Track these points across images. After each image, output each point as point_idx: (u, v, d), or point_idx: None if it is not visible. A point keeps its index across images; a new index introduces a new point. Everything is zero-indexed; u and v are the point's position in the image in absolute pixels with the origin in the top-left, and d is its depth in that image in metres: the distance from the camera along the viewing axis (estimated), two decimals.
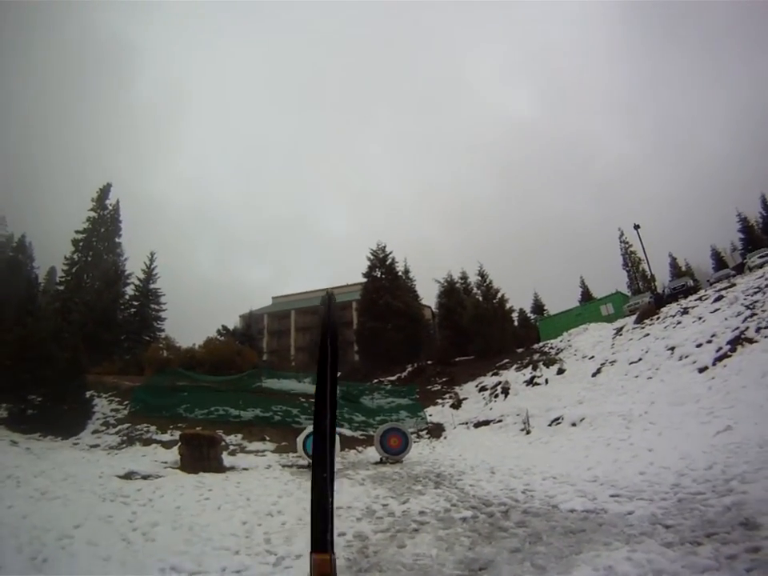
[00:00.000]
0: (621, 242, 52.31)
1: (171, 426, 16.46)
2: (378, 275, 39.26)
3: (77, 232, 40.22)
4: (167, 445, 14.89)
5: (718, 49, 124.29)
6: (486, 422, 19.36)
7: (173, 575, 5.25)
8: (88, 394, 18.48)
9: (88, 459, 12.73)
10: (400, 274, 41.04)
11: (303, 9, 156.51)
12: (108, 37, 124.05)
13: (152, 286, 38.38)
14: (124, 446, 15.31)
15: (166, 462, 12.63)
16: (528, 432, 16.27)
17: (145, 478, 10.52)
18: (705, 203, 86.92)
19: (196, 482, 10.07)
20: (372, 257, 39.61)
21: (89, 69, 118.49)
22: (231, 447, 15.28)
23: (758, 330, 14.14)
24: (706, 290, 24.32)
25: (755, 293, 16.90)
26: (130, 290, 38.34)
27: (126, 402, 18.55)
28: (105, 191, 42.96)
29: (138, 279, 38.50)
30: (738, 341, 14.29)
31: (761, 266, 24.47)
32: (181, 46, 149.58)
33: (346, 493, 9.32)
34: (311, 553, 1.89)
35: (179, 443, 12.60)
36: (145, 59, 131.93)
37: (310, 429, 12.91)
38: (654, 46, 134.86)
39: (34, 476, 9.30)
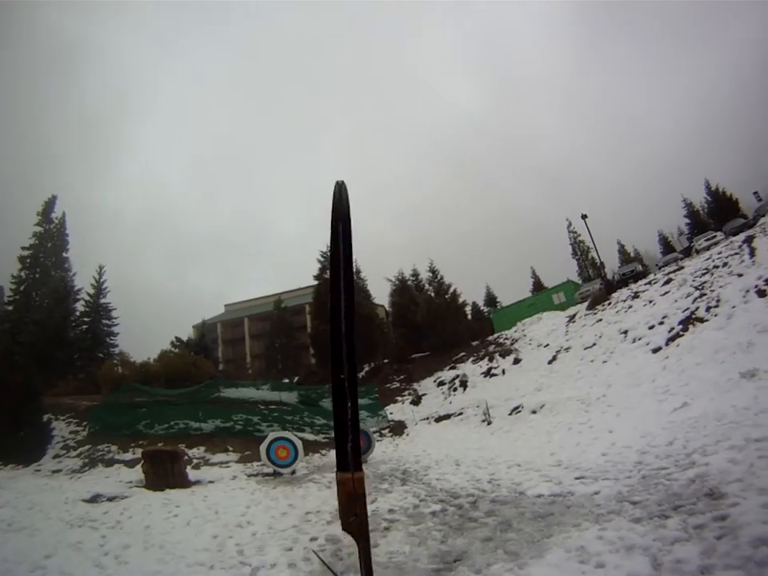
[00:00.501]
0: (569, 231, 53.76)
1: (132, 444, 15.95)
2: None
3: (23, 248, 38.30)
4: (130, 464, 14.43)
5: (664, 42, 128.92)
6: (447, 416, 19.54)
7: None
8: (45, 417, 17.74)
9: (51, 485, 12.21)
10: None
11: (258, 6, 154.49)
12: (63, 40, 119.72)
13: (102, 301, 37.01)
14: (86, 468, 14.77)
15: (130, 482, 12.26)
16: (489, 423, 16.49)
17: (111, 499, 10.16)
18: (651, 190, 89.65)
19: (163, 499, 9.80)
20: (322, 258, 38.50)
21: (40, 73, 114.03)
22: (195, 461, 14.91)
23: (707, 309, 14.71)
24: (655, 274, 25.18)
25: (703, 274, 17.58)
26: (80, 306, 36.98)
27: (84, 423, 17.87)
28: (50, 204, 40.81)
29: (88, 294, 37.11)
30: (689, 321, 14.85)
31: (708, 248, 25.50)
32: (133, 49, 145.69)
33: (314, 497, 9.30)
34: (336, 472, 1.87)
35: (142, 461, 12.26)
36: (96, 62, 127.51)
37: (272, 436, 12.79)
38: (601, 38, 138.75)
39: None
